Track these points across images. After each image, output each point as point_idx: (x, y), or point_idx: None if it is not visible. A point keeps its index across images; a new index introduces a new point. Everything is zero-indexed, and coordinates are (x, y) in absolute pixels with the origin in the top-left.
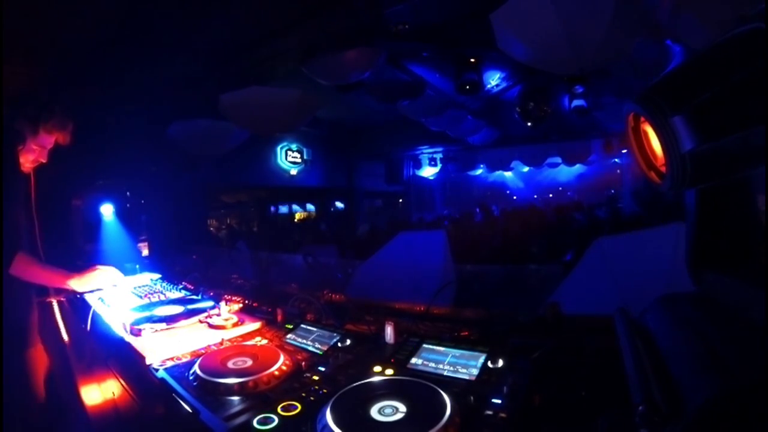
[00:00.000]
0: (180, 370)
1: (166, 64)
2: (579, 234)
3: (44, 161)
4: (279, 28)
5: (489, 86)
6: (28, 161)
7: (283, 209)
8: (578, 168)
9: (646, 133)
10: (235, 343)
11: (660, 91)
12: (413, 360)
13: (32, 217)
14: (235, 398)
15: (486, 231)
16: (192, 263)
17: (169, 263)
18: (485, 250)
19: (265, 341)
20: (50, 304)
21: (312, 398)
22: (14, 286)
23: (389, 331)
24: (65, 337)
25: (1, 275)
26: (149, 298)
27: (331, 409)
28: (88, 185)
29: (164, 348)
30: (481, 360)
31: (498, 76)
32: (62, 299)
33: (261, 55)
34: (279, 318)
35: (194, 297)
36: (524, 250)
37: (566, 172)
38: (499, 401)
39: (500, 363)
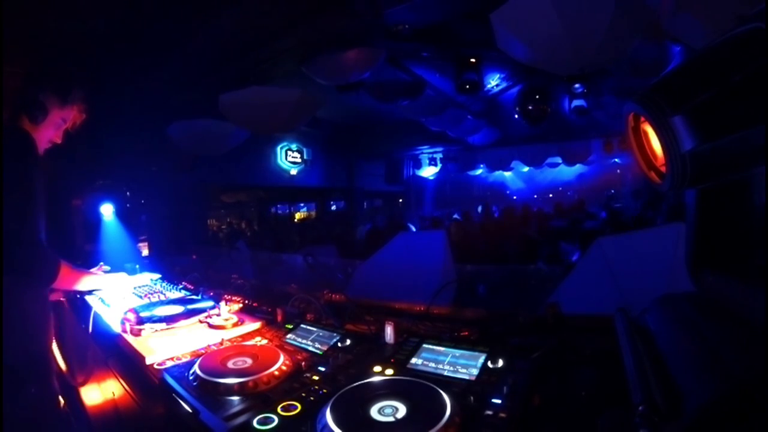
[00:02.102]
0: (180, 370)
1: (166, 63)
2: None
3: (59, 142)
4: (279, 28)
5: (489, 86)
6: (44, 141)
7: (283, 209)
8: (578, 168)
9: (646, 133)
10: (235, 343)
11: (660, 91)
12: (413, 360)
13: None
14: (235, 398)
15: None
16: (192, 263)
17: (169, 263)
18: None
19: (265, 341)
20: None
21: (312, 398)
22: (34, 310)
23: (389, 331)
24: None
25: (2, 279)
26: (149, 298)
27: (331, 409)
28: (88, 185)
29: (164, 348)
30: (481, 360)
31: (498, 76)
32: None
33: (261, 55)
34: (279, 318)
35: (194, 297)
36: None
37: (566, 172)
38: (499, 401)
39: (500, 363)
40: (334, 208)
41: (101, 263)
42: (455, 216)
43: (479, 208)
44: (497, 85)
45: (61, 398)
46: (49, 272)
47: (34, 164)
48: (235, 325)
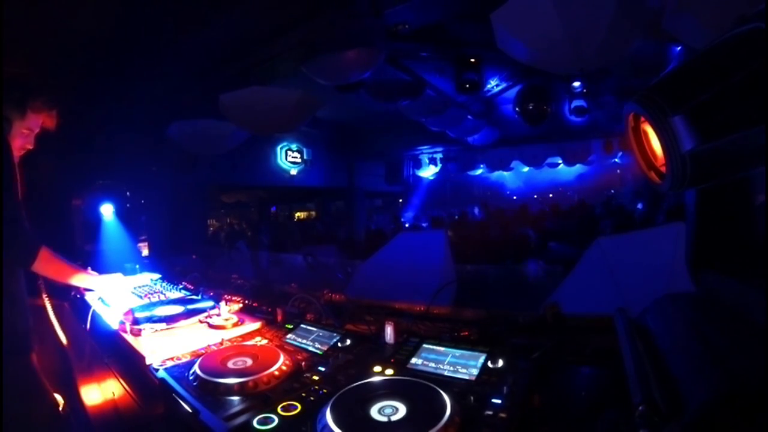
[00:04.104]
0: (180, 370)
1: (166, 64)
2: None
3: (31, 147)
4: (279, 28)
5: (489, 86)
6: (15, 149)
7: (283, 209)
8: (578, 168)
9: (646, 133)
10: (235, 343)
11: (660, 91)
12: (413, 360)
13: None
14: (235, 398)
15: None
16: (192, 263)
17: (169, 263)
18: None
19: (265, 341)
20: (43, 308)
21: (312, 398)
22: (17, 290)
23: (389, 331)
24: (63, 338)
25: (2, 276)
26: (149, 298)
27: (331, 409)
28: (88, 185)
29: (164, 348)
30: (481, 360)
31: (497, 78)
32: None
33: (261, 55)
34: (279, 318)
35: (194, 297)
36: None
37: (566, 172)
38: (499, 401)
39: (500, 363)
40: (334, 208)
41: (89, 268)
42: (456, 217)
43: (476, 210)
44: (497, 85)
45: (60, 398)
46: (26, 251)
47: (4, 146)
48: (235, 325)
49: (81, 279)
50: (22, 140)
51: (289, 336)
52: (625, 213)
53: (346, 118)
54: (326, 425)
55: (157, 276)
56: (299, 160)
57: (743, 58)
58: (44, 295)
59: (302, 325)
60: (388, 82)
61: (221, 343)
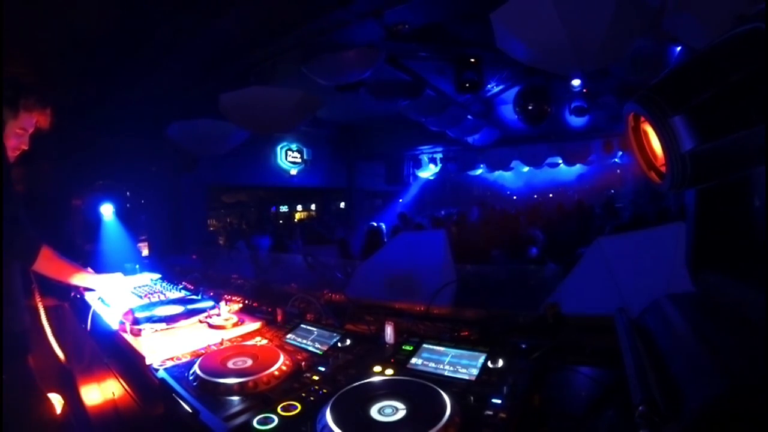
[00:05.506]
0: (180, 370)
1: (166, 64)
2: None
3: (26, 148)
4: (279, 28)
5: (489, 86)
6: (10, 149)
7: (283, 209)
8: (578, 168)
9: (646, 133)
10: (235, 343)
11: (660, 91)
12: (413, 360)
13: None
14: (235, 398)
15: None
16: (192, 263)
17: (168, 263)
18: None
19: (265, 341)
20: (36, 310)
21: (312, 398)
22: (14, 290)
23: (389, 331)
24: (55, 345)
25: (1, 277)
26: (149, 298)
27: (331, 409)
28: (88, 185)
29: (164, 348)
30: (481, 360)
31: (497, 79)
32: (63, 304)
33: (261, 55)
34: (279, 318)
35: (194, 297)
36: None
37: (566, 172)
38: (499, 401)
39: (500, 363)
40: (334, 208)
41: (89, 268)
42: (455, 218)
43: (474, 211)
44: (497, 85)
45: (60, 398)
46: (28, 249)
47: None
48: (235, 325)
49: (81, 278)
50: (16, 140)
51: (289, 336)
52: (619, 216)
53: (346, 118)
54: (326, 425)
55: (157, 276)
56: (299, 160)
57: (743, 58)
58: (37, 298)
59: (302, 325)
60: (388, 82)
61: (221, 343)
